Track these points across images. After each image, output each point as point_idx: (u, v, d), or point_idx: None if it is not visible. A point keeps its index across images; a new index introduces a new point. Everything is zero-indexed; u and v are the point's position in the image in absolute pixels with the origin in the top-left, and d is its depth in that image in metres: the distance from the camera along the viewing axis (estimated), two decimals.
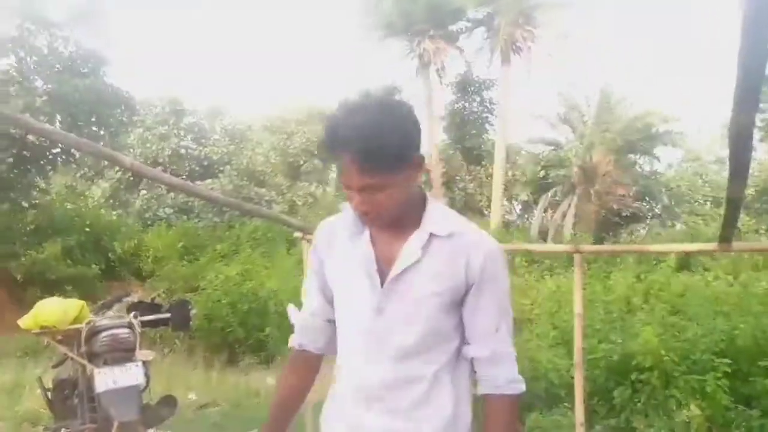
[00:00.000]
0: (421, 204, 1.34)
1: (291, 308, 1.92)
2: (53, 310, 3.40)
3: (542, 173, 18.00)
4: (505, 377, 1.34)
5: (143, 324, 3.58)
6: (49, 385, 3.71)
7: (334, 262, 1.42)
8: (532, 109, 23.77)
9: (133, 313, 3.55)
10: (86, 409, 3.39)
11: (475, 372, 1.38)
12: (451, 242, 1.31)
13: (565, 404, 4.30)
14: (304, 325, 1.50)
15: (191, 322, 3.77)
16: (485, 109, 19.27)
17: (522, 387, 1.37)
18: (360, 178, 1.22)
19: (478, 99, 19.19)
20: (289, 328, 1.65)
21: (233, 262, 10.06)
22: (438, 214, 1.33)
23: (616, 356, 4.58)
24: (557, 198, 17.09)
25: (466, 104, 19.24)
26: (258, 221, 12.44)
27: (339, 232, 1.41)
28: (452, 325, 1.35)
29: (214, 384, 6.12)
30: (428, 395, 1.33)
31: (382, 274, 1.33)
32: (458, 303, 1.34)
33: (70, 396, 3.57)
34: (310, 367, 1.51)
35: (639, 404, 4.25)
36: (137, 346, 3.38)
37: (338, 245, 1.41)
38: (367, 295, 1.33)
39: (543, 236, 15.94)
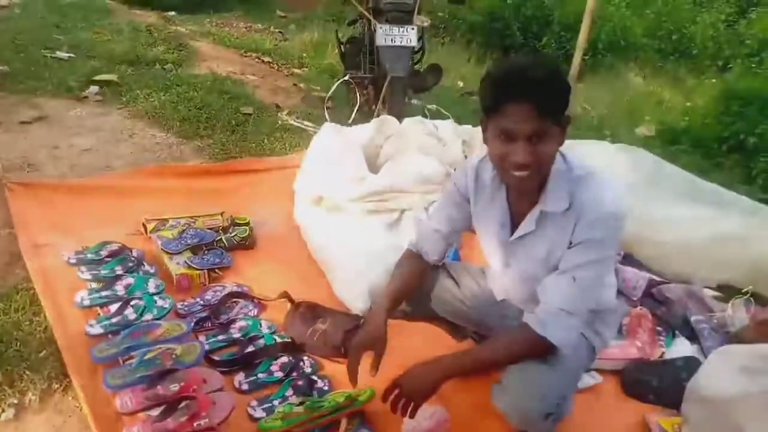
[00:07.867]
0: (548, 174, 1.40)
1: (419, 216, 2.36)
2: None
3: None
4: (543, 311, 1.42)
5: None
6: (344, 40, 4.23)
7: (478, 208, 1.58)
8: None
9: None
10: (367, 61, 3.83)
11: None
12: (565, 216, 1.40)
13: None
14: (425, 235, 1.69)
15: None
16: None
17: (549, 340, 1.39)
18: (533, 123, 1.28)
19: None
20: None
21: None
22: (557, 186, 1.40)
23: None
24: None
25: None
26: None
27: (486, 182, 1.53)
28: None
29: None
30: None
31: (513, 231, 1.52)
32: None
33: (357, 52, 4.04)
34: (419, 269, 1.68)
35: None
36: (416, 9, 3.52)
37: (483, 195, 1.55)
38: (499, 248, 1.57)
39: None
